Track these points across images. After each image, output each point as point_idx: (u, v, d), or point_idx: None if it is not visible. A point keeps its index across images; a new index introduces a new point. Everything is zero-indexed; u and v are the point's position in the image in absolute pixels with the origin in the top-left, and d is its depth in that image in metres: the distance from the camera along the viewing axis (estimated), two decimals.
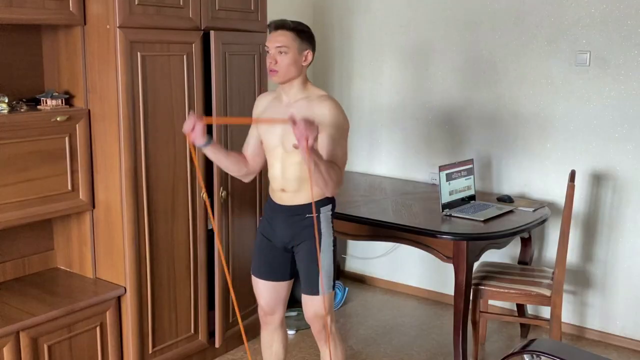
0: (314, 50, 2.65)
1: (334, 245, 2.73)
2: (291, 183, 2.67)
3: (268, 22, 2.68)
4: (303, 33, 2.61)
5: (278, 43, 2.56)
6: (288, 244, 2.74)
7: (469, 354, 3.54)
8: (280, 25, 2.59)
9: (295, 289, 3.03)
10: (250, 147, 2.83)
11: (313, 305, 2.72)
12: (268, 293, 2.84)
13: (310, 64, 2.64)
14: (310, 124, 2.32)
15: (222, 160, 2.76)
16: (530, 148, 4.01)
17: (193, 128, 2.48)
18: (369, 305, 4.37)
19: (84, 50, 2.90)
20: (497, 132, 4.11)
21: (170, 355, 3.23)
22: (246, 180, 2.88)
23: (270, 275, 2.82)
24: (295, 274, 2.84)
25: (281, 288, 2.84)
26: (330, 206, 2.73)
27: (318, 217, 2.67)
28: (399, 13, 4.40)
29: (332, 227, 2.74)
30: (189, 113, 2.81)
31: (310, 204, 2.66)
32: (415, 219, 3.50)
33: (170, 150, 3.08)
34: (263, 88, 3.53)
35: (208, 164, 3.28)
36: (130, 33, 2.82)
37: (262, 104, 2.79)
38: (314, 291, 2.69)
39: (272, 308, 2.86)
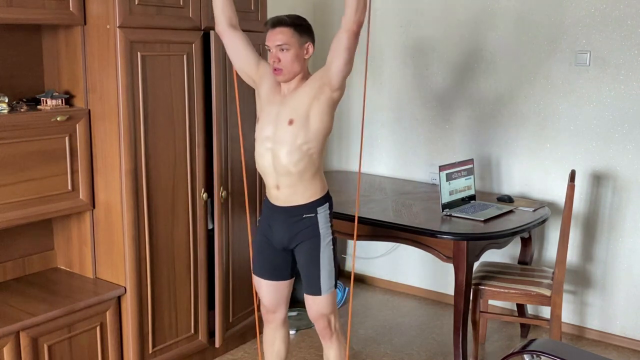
0: (314, 41, 2.66)
1: (334, 244, 2.72)
2: (284, 178, 2.64)
3: (265, 21, 2.70)
4: (301, 27, 2.62)
5: (278, 41, 2.57)
6: (287, 245, 2.74)
7: (469, 354, 3.54)
8: (278, 22, 2.61)
9: (296, 289, 3.03)
10: (248, 44, 2.73)
11: (316, 305, 2.73)
12: (270, 292, 2.84)
13: (311, 55, 2.65)
14: None
15: None
16: (530, 148, 4.01)
17: None
18: (369, 305, 4.37)
19: (84, 50, 2.90)
20: (497, 132, 4.11)
21: (170, 355, 3.23)
22: (218, 14, 2.73)
23: (271, 274, 2.82)
24: (297, 273, 2.84)
25: (283, 287, 2.85)
26: (327, 205, 2.72)
27: (315, 217, 2.67)
28: (399, 13, 4.40)
29: (331, 226, 2.73)
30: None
31: (306, 204, 2.66)
32: (415, 219, 3.50)
33: (170, 150, 3.08)
34: None
35: (208, 163, 3.28)
36: (130, 33, 2.82)
37: (269, 78, 2.70)
38: (316, 291, 2.69)
39: (274, 306, 2.87)
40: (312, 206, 2.67)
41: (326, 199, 2.73)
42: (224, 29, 2.73)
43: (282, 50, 2.57)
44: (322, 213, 2.69)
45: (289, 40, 2.57)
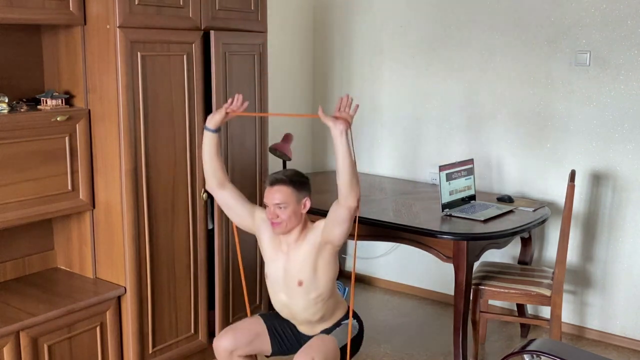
0: (310, 194, 2.71)
1: (355, 338, 2.79)
2: (306, 323, 2.78)
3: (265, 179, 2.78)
4: (299, 183, 2.67)
5: (276, 200, 2.62)
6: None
7: (469, 354, 3.54)
8: (275, 181, 2.65)
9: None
10: (240, 199, 2.78)
11: (316, 341, 2.68)
12: (252, 334, 2.78)
13: (308, 209, 2.70)
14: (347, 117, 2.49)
15: (211, 153, 2.73)
16: (530, 148, 4.01)
17: (231, 104, 2.69)
18: (369, 305, 4.37)
19: (84, 50, 2.90)
20: (497, 132, 4.11)
21: (170, 355, 3.23)
22: (207, 177, 2.77)
23: (274, 332, 2.83)
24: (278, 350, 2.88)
25: (261, 345, 2.81)
26: (354, 320, 2.82)
27: (339, 325, 2.79)
28: (399, 13, 4.40)
29: (358, 328, 2.83)
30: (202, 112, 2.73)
31: (332, 326, 2.77)
32: (415, 219, 3.50)
33: (170, 150, 3.08)
34: (263, 88, 3.53)
35: None
36: (130, 33, 2.82)
37: (267, 227, 2.74)
38: (328, 332, 2.74)
39: (233, 342, 2.74)
40: (337, 324, 2.81)
41: (347, 315, 2.82)
42: (214, 189, 2.79)
43: (280, 207, 2.62)
44: (345, 323, 2.80)
45: (287, 199, 2.62)
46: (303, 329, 2.83)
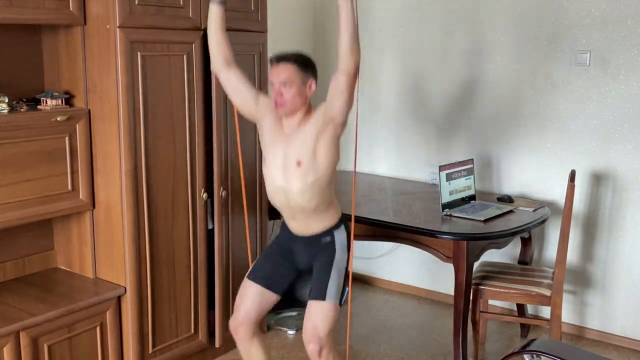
0: (316, 78, 2.68)
1: (346, 270, 2.75)
2: (299, 213, 2.72)
3: (269, 57, 2.73)
4: (305, 64, 2.64)
5: (282, 77, 2.59)
6: (308, 265, 2.79)
7: (469, 354, 3.54)
8: (281, 58, 2.63)
9: (297, 288, 3.04)
10: (245, 81, 2.72)
11: (315, 313, 2.68)
12: (254, 300, 2.81)
13: (313, 92, 2.67)
14: None
15: (216, 26, 2.69)
16: (530, 148, 4.01)
17: None
18: (369, 305, 4.37)
19: (84, 50, 2.90)
20: (497, 132, 4.11)
21: (170, 355, 3.23)
22: (213, 54, 2.73)
23: (267, 282, 2.82)
24: (284, 295, 2.88)
25: (267, 299, 2.83)
26: (343, 227, 2.78)
27: (332, 240, 2.75)
28: (399, 13, 4.40)
29: (348, 250, 2.78)
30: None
31: (324, 232, 2.74)
32: (415, 219, 3.50)
33: (170, 150, 3.08)
34: (263, 88, 3.53)
35: (209, 163, 3.28)
36: (130, 33, 2.82)
37: (270, 114, 2.71)
38: (321, 295, 2.69)
39: (246, 317, 2.80)
40: (329, 231, 2.76)
41: (341, 222, 2.79)
42: (220, 69, 2.74)
43: (285, 85, 2.59)
44: (339, 236, 2.76)
45: (291, 76, 2.59)
46: (295, 225, 2.77)
